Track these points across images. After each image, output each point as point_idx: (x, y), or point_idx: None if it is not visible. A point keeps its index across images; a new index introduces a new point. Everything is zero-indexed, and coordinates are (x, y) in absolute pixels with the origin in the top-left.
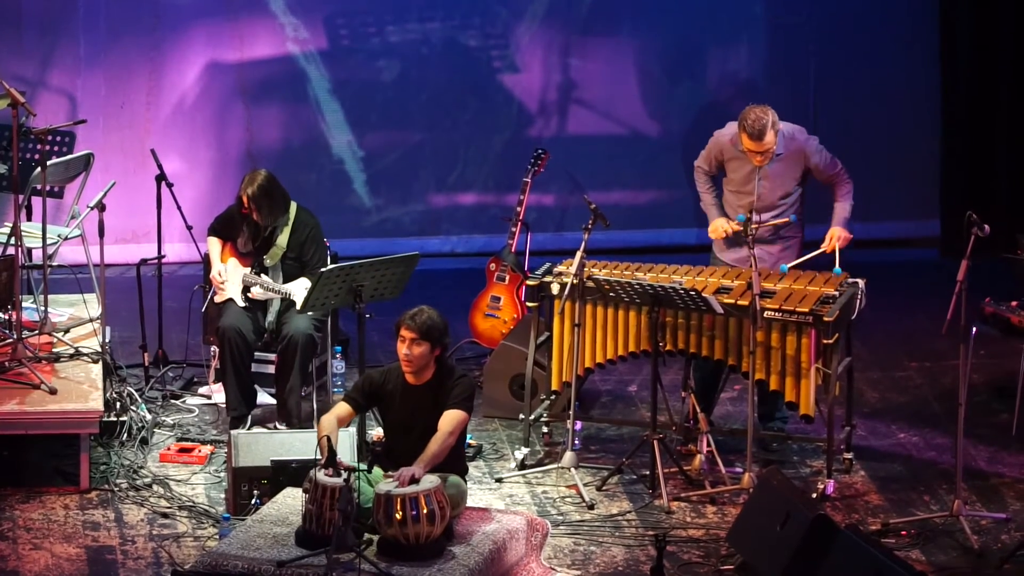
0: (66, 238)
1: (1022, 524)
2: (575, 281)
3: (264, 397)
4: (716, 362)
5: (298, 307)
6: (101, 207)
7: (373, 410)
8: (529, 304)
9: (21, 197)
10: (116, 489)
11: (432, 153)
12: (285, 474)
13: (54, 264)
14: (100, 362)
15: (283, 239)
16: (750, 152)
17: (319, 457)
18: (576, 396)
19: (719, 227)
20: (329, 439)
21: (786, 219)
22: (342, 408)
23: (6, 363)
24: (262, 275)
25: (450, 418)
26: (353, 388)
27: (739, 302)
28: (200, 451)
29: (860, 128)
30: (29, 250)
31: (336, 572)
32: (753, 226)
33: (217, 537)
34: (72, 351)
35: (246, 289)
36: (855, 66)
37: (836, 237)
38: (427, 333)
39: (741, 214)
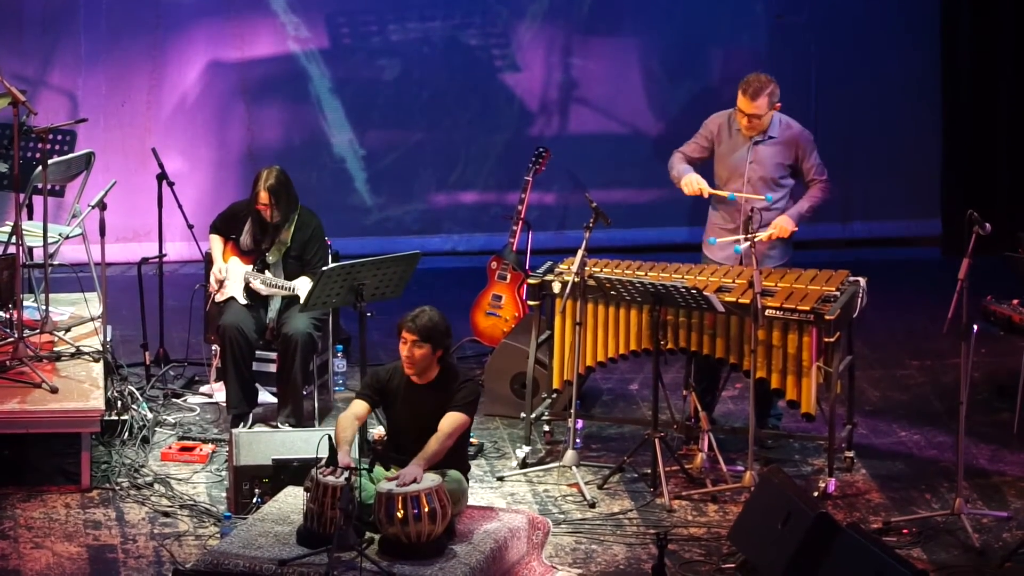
0: (67, 237)
1: (1023, 522)
2: (576, 280)
3: (265, 396)
4: (716, 360)
5: (301, 302)
6: (102, 206)
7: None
8: (530, 303)
9: (22, 196)
10: (117, 488)
11: (433, 152)
12: (286, 473)
13: (55, 263)
14: (101, 361)
15: (287, 235)
16: (740, 114)
17: (321, 456)
18: (577, 394)
19: (694, 181)
20: (330, 437)
21: (762, 197)
22: (359, 406)
23: (7, 362)
24: (266, 272)
25: (451, 420)
26: (363, 385)
27: (740, 300)
28: (201, 450)
29: (861, 127)
30: (30, 249)
31: (338, 571)
32: (743, 199)
33: (218, 536)
34: (73, 350)
35: (248, 285)
36: (856, 65)
37: (777, 227)
38: (428, 335)
39: (732, 192)
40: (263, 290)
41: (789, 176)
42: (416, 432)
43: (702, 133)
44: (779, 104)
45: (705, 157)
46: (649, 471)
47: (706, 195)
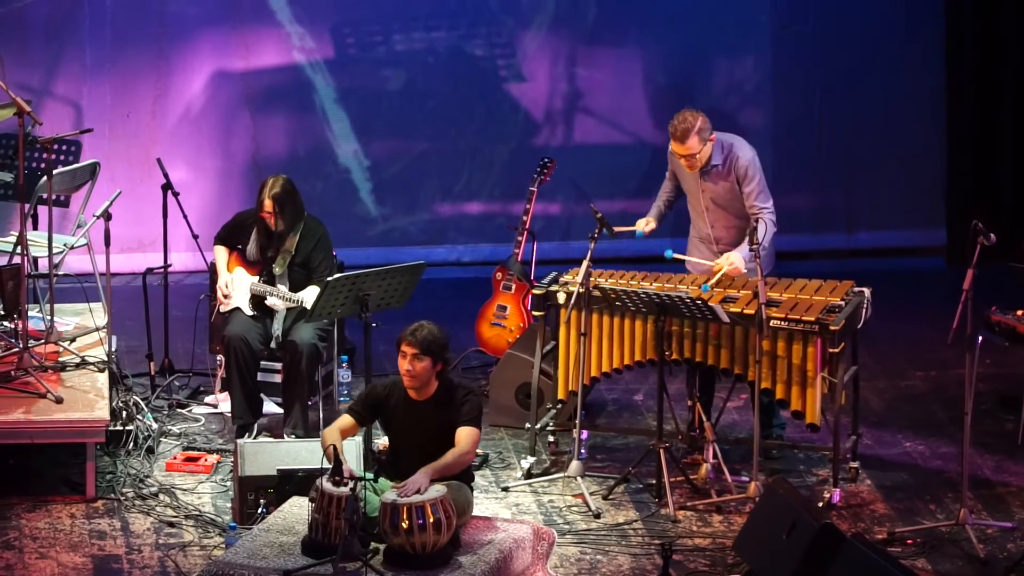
0: (72, 247)
1: None
2: (581, 290)
3: (270, 406)
4: (720, 371)
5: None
6: (107, 216)
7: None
8: (535, 313)
9: (27, 206)
10: (122, 498)
11: (438, 162)
12: (291, 483)
13: (60, 273)
14: (106, 371)
15: (292, 244)
16: (678, 156)
17: (326, 466)
18: (582, 405)
19: (640, 222)
20: (336, 448)
21: (632, 229)
22: (345, 420)
23: (12, 372)
24: (278, 285)
25: (467, 435)
26: (356, 400)
27: (745, 311)
28: (206, 460)
29: (866, 137)
30: (35, 259)
31: None
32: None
33: (223, 546)
34: (78, 360)
35: (255, 297)
36: (860, 75)
37: (729, 263)
38: (428, 348)
39: (669, 250)
40: (279, 305)
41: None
42: (416, 449)
43: (669, 160)
44: (713, 136)
45: (676, 183)
46: (654, 481)
47: (643, 232)
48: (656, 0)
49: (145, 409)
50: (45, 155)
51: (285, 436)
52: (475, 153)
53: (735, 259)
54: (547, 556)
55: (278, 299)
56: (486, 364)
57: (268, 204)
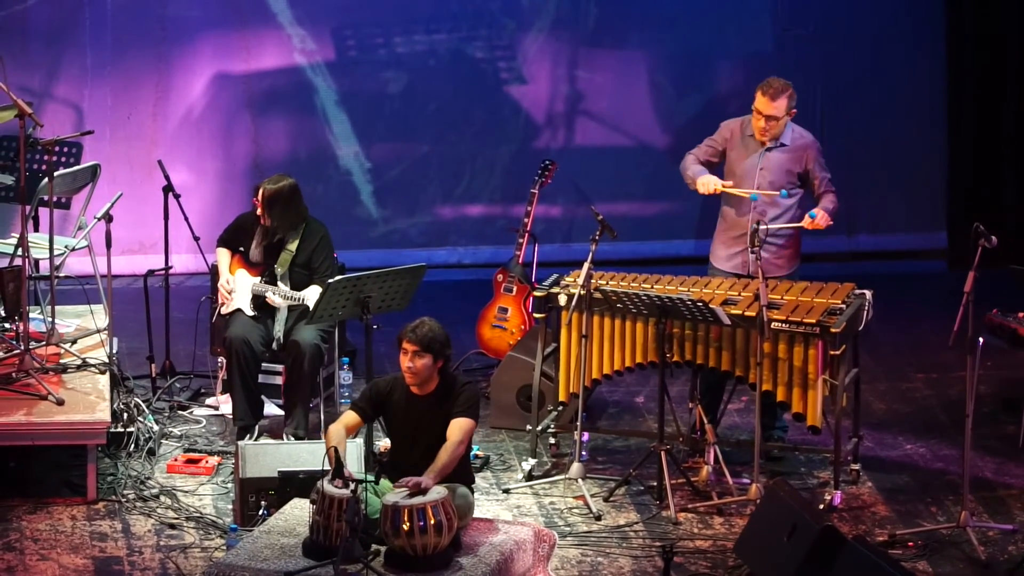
0: (73, 249)
1: None
2: (582, 292)
3: (271, 408)
4: (722, 373)
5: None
6: (108, 218)
7: (379, 420)
8: (536, 315)
9: (28, 208)
10: (123, 500)
11: (439, 164)
12: (292, 485)
13: (61, 275)
14: (107, 373)
15: (293, 246)
16: (757, 116)
17: (326, 468)
18: (583, 407)
19: (710, 182)
20: (337, 450)
21: (776, 193)
22: (350, 417)
23: (13, 374)
24: (279, 284)
25: (458, 426)
26: (360, 397)
27: (746, 313)
28: (207, 462)
29: (867, 140)
30: (36, 261)
31: None
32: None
33: (224, 548)
34: (79, 362)
35: (256, 298)
36: (861, 78)
37: (820, 217)
38: (428, 345)
39: (755, 192)
40: (280, 303)
41: (798, 186)
42: (420, 444)
43: (715, 137)
44: (795, 111)
45: (715, 162)
46: (655, 483)
47: (720, 191)
48: (657, 3)
49: (146, 411)
50: (46, 157)
51: (286, 438)
52: (476, 155)
53: (822, 216)
54: (548, 558)
55: (279, 297)
56: (487, 366)
57: (257, 201)
